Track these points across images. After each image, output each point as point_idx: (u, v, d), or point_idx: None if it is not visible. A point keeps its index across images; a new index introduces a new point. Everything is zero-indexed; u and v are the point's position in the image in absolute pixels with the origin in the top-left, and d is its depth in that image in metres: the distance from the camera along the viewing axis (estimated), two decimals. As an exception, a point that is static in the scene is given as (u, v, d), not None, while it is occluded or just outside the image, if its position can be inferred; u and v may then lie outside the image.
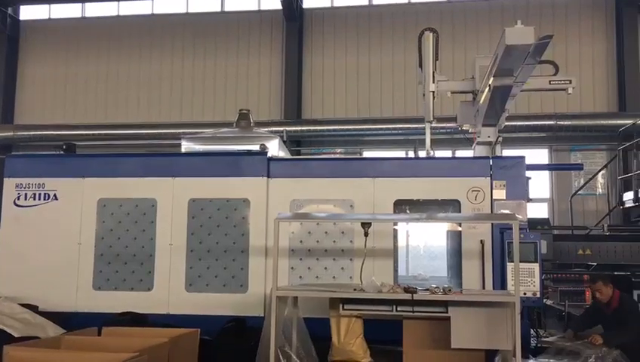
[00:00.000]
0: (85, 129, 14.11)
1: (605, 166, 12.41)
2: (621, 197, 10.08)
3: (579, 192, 12.23)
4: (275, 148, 7.88)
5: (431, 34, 7.35)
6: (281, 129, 12.95)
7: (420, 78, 7.62)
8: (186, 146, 8.21)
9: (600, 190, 12.91)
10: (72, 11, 16.11)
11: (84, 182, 7.29)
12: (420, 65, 7.45)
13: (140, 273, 7.03)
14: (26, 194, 7.31)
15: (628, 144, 9.98)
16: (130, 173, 7.26)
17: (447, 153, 12.36)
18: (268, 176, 7.04)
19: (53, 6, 16.15)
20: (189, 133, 9.71)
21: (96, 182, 7.27)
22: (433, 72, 7.33)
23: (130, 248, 7.08)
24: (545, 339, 6.16)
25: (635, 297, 8.45)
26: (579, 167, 11.57)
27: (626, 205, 9.69)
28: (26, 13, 16.28)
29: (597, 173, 12.42)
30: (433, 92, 7.34)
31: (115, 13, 15.82)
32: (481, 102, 7.08)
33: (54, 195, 7.29)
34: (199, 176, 7.14)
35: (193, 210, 7.06)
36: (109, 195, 7.21)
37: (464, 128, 8.11)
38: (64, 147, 8.27)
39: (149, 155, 8.34)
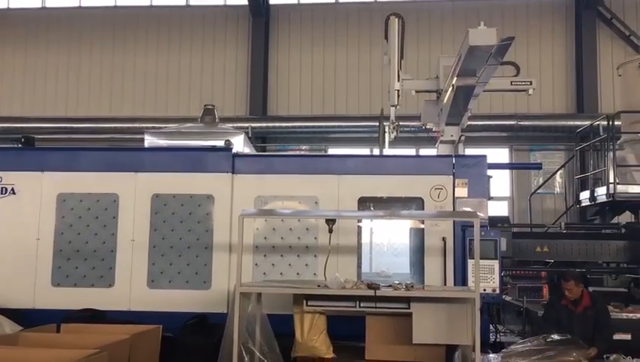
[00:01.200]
0: (44, 122, 13.76)
1: (563, 166, 12.75)
2: (578, 196, 10.34)
3: (538, 191, 12.52)
4: (240, 144, 7.85)
5: (396, 19, 7.37)
6: (247, 125, 12.88)
7: (385, 50, 7.63)
8: (149, 141, 8.12)
9: (558, 189, 13.25)
10: (32, 1, 15.69)
11: (43, 176, 7.12)
12: (386, 37, 7.45)
13: (101, 269, 6.91)
14: (-18, 188, 7.11)
15: (585, 145, 10.25)
16: (91, 167, 7.13)
17: (411, 151, 12.64)
18: (233, 172, 7.00)
19: (12, -5, 15.72)
20: (152, 128, 9.59)
21: (56, 177, 7.12)
22: (398, 71, 7.40)
23: (90, 244, 6.96)
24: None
25: (590, 293, 8.72)
26: (538, 167, 11.86)
27: (583, 204, 9.94)
28: (-17, 1, 15.80)
29: (555, 173, 12.74)
30: (398, 90, 7.41)
31: (76, 4, 15.47)
32: (444, 101, 7.19)
33: (12, 189, 7.11)
34: (163, 172, 7.05)
35: (156, 206, 6.98)
36: (69, 190, 7.07)
37: (428, 127, 8.21)
38: (22, 140, 8.07)
39: (111, 149, 8.21)
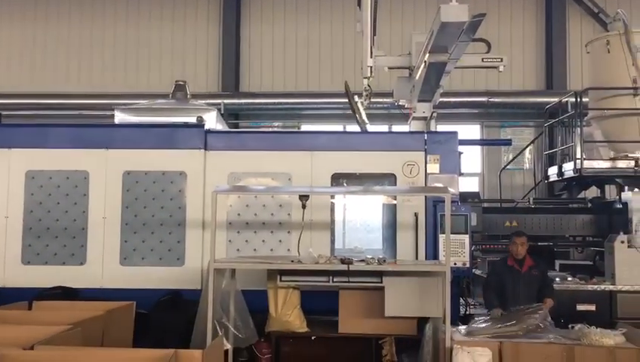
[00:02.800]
0: (11, 98, 13.40)
1: (532, 142, 12.92)
2: (546, 171, 10.52)
3: (507, 167, 12.70)
4: (212, 120, 7.80)
5: None
6: (219, 101, 12.72)
7: (358, 17, 7.59)
8: (119, 117, 8.00)
9: (527, 165, 13.46)
10: (-7, -28, 15.15)
11: (10, 153, 7.00)
12: (359, 5, 7.39)
13: (72, 247, 6.86)
14: (-53, 166, 6.94)
15: (553, 121, 10.40)
16: (60, 143, 7.03)
17: (384, 128, 12.68)
18: (205, 149, 6.98)
19: (-27, -35, 15.14)
20: (122, 104, 9.43)
21: (24, 153, 7.00)
22: (371, 47, 7.38)
23: (61, 221, 6.89)
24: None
25: (557, 267, 8.95)
26: (507, 143, 12.03)
27: (551, 179, 10.12)
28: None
29: (524, 149, 12.92)
30: (371, 67, 7.39)
31: (41, -24, 14.99)
32: (416, 77, 7.22)
33: (-22, 167, 6.97)
34: (134, 148, 7.00)
35: (128, 183, 6.93)
36: (37, 167, 6.97)
37: (400, 103, 8.24)
38: (-12, 116, 7.89)
39: (80, 126, 8.06)
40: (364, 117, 8.59)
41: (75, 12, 14.52)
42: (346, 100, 11.69)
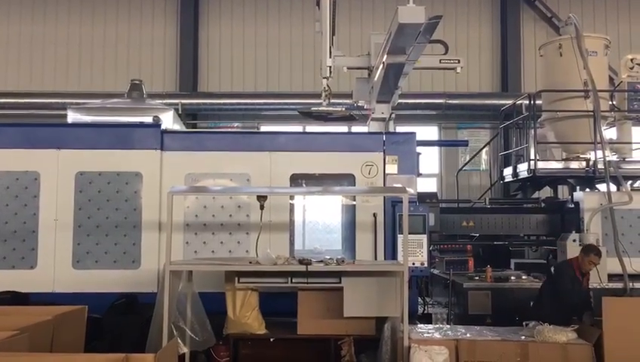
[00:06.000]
0: (-44, 96, 12.91)
1: (488, 143, 13.18)
2: (502, 172, 10.74)
3: (464, 168, 12.91)
4: (169, 120, 7.68)
5: None
6: (176, 101, 12.54)
7: (317, 17, 7.57)
8: (72, 117, 7.81)
9: (483, 166, 13.71)
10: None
11: (-45, 154, 6.73)
12: (318, 5, 7.38)
13: (22, 250, 6.65)
14: None
15: (508, 123, 10.63)
16: (9, 143, 6.82)
17: (343, 128, 12.71)
18: (161, 149, 6.86)
19: None
20: (75, 104, 9.19)
21: (-29, 154, 6.75)
22: (330, 47, 7.38)
23: (10, 224, 6.68)
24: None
25: (512, 266, 9.13)
26: (464, 143, 12.21)
27: (506, 180, 10.34)
28: None
29: (480, 150, 13.16)
30: (330, 67, 7.38)
31: (-10, -29, 14.49)
32: (375, 78, 7.25)
33: None
34: (87, 148, 6.83)
35: (80, 184, 6.76)
36: (-16, 168, 6.72)
37: (359, 104, 8.27)
38: None
39: (30, 125, 7.82)
40: (341, 109, 8.41)
41: (26, 9, 14.08)
42: (306, 101, 11.65)
